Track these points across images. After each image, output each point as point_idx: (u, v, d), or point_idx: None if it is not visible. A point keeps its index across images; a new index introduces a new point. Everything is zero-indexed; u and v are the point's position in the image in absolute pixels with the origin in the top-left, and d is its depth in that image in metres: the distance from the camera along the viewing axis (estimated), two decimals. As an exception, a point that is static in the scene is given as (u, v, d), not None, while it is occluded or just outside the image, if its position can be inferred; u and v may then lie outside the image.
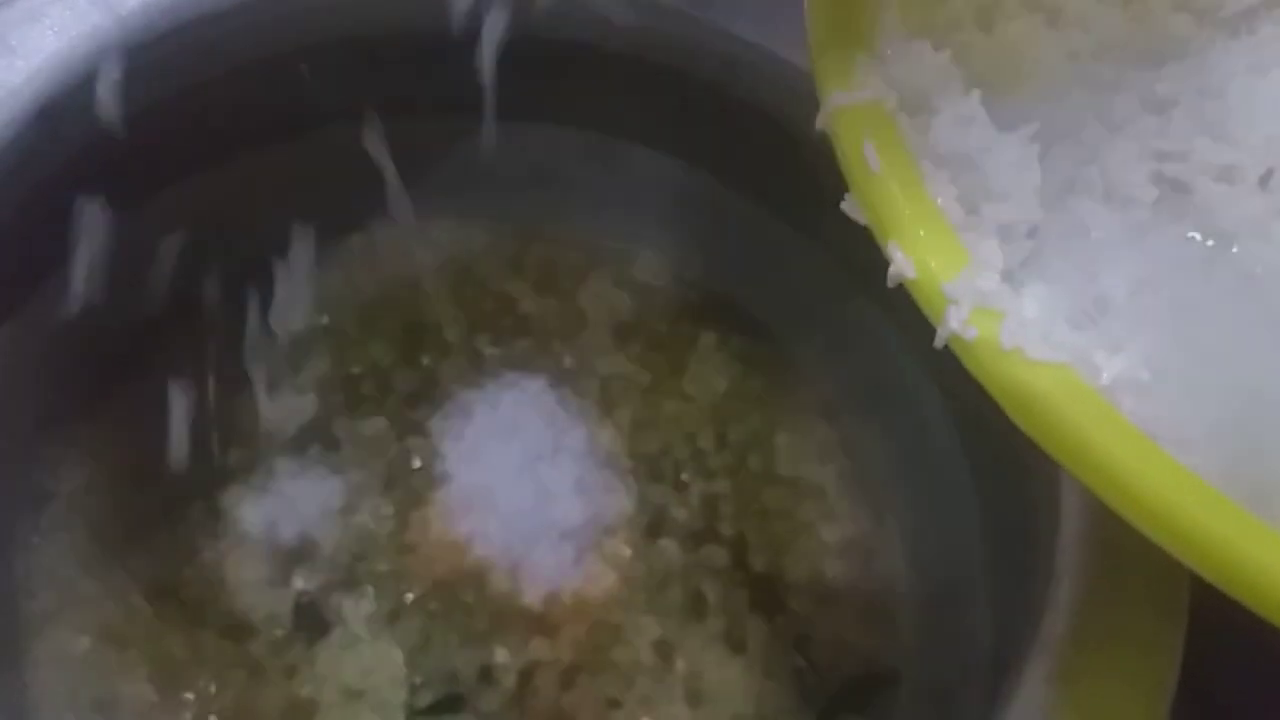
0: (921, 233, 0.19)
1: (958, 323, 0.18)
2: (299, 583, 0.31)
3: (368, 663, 0.30)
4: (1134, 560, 0.24)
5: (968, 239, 0.19)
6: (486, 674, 0.30)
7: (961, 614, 0.29)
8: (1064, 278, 0.20)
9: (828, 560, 0.32)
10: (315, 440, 0.33)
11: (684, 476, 0.33)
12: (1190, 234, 0.21)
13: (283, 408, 0.33)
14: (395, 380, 0.34)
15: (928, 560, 0.31)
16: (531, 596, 0.31)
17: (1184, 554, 0.16)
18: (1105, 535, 0.24)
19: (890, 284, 0.19)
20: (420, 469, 0.33)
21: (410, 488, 0.32)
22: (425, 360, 0.34)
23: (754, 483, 0.33)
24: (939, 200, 0.19)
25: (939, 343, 0.18)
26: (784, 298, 0.34)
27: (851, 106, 0.20)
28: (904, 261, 0.19)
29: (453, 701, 0.30)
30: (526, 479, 0.32)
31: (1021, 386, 0.17)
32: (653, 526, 0.32)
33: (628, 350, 0.35)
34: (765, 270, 0.34)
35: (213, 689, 0.29)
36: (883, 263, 0.19)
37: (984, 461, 0.29)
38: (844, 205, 0.20)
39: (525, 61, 0.31)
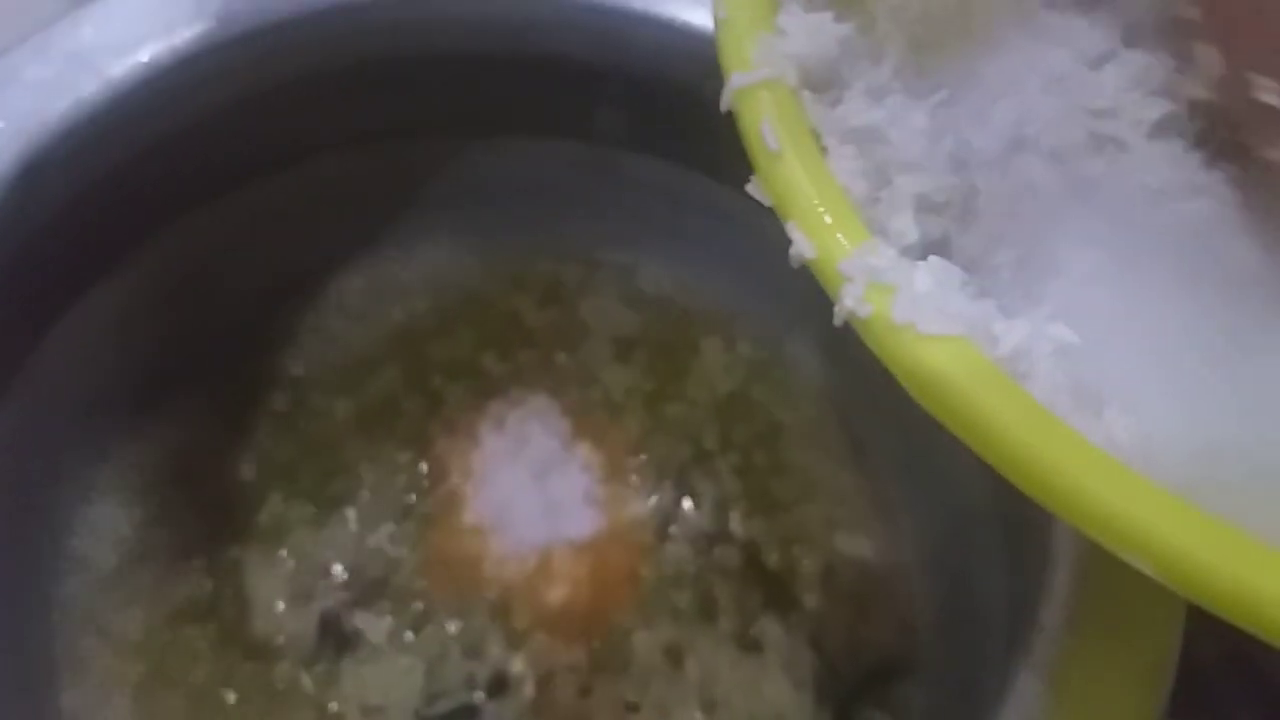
0: (821, 210, 0.18)
1: (852, 300, 0.17)
2: (322, 603, 0.31)
3: (388, 677, 0.30)
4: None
5: (879, 213, 0.19)
6: (503, 682, 0.30)
7: (977, 604, 0.28)
8: (1009, 240, 0.19)
9: (840, 556, 0.31)
10: (331, 465, 0.33)
11: (692, 480, 0.33)
12: (1133, 190, 0.20)
13: (295, 439, 0.33)
14: (404, 402, 0.34)
15: (941, 551, 0.30)
16: (546, 606, 0.31)
17: (1077, 523, 0.15)
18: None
19: (793, 265, 0.19)
20: (433, 487, 0.33)
21: (425, 505, 0.33)
22: (433, 381, 0.34)
23: (763, 482, 0.33)
24: (841, 177, 0.19)
25: (838, 321, 0.18)
26: (786, 297, 0.34)
27: (751, 86, 0.19)
28: (803, 242, 0.18)
29: (465, 712, 0.30)
30: (537, 490, 0.33)
31: (915, 362, 0.17)
32: (663, 530, 0.32)
33: (631, 357, 0.35)
34: (766, 270, 0.33)
35: (242, 710, 0.30)
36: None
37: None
38: (749, 187, 0.19)
39: (500, 76, 0.31)
